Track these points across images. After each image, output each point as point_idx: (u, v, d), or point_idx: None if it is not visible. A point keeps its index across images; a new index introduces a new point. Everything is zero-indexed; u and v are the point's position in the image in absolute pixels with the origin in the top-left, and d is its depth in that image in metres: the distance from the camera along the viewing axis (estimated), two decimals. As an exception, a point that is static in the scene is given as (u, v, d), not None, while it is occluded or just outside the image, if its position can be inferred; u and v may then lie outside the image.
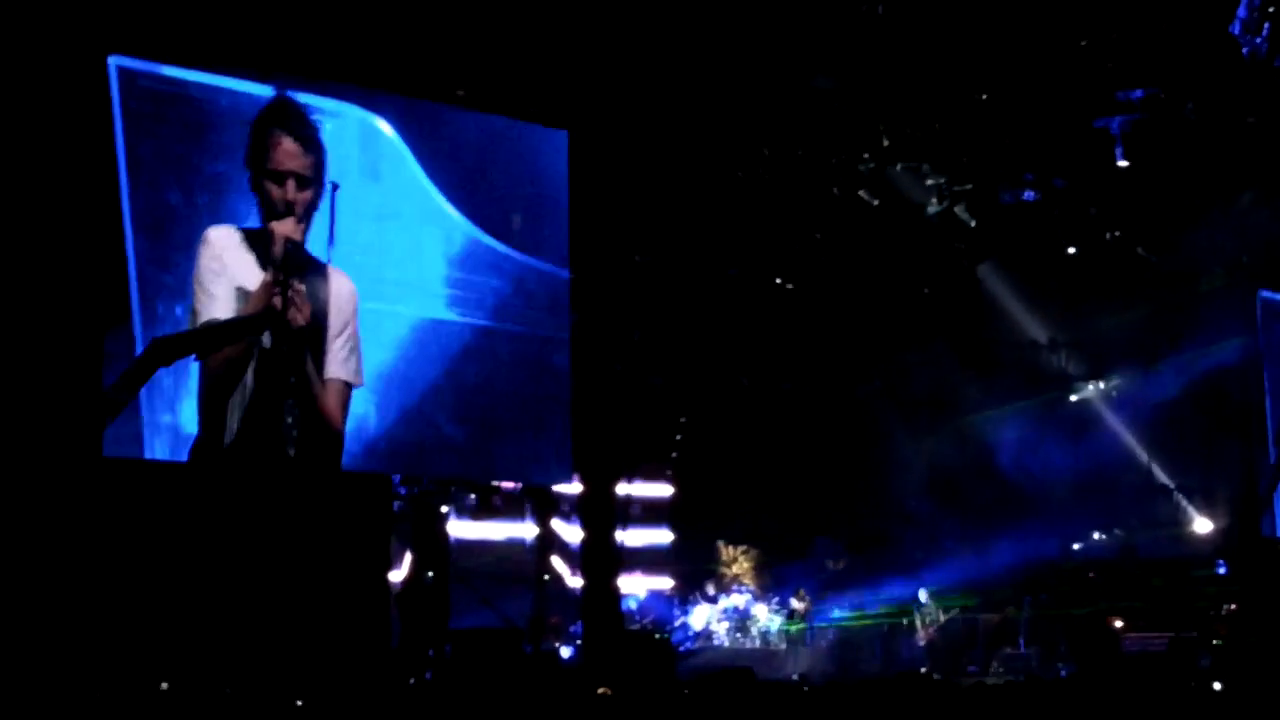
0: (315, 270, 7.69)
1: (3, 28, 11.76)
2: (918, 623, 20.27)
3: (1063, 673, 17.96)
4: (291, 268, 7.44)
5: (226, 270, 7.89)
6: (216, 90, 12.79)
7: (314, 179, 7.87)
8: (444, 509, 14.70)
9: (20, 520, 9.77)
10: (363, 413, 13.12)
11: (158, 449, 11.43)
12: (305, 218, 7.92)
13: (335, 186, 9.47)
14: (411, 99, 14.38)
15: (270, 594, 8.84)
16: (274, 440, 7.77)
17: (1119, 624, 18.41)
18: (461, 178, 14.57)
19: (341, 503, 9.45)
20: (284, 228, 7.74)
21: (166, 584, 9.87)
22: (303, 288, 7.40)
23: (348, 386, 7.67)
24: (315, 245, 10.06)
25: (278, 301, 7.42)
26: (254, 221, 10.46)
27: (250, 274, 7.97)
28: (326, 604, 8.99)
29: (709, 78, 15.32)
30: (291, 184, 7.70)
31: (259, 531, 8.82)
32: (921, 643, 20.18)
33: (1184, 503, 21.04)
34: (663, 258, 17.70)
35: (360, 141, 14.02)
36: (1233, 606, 17.53)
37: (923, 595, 20.36)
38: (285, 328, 7.44)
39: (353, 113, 14.03)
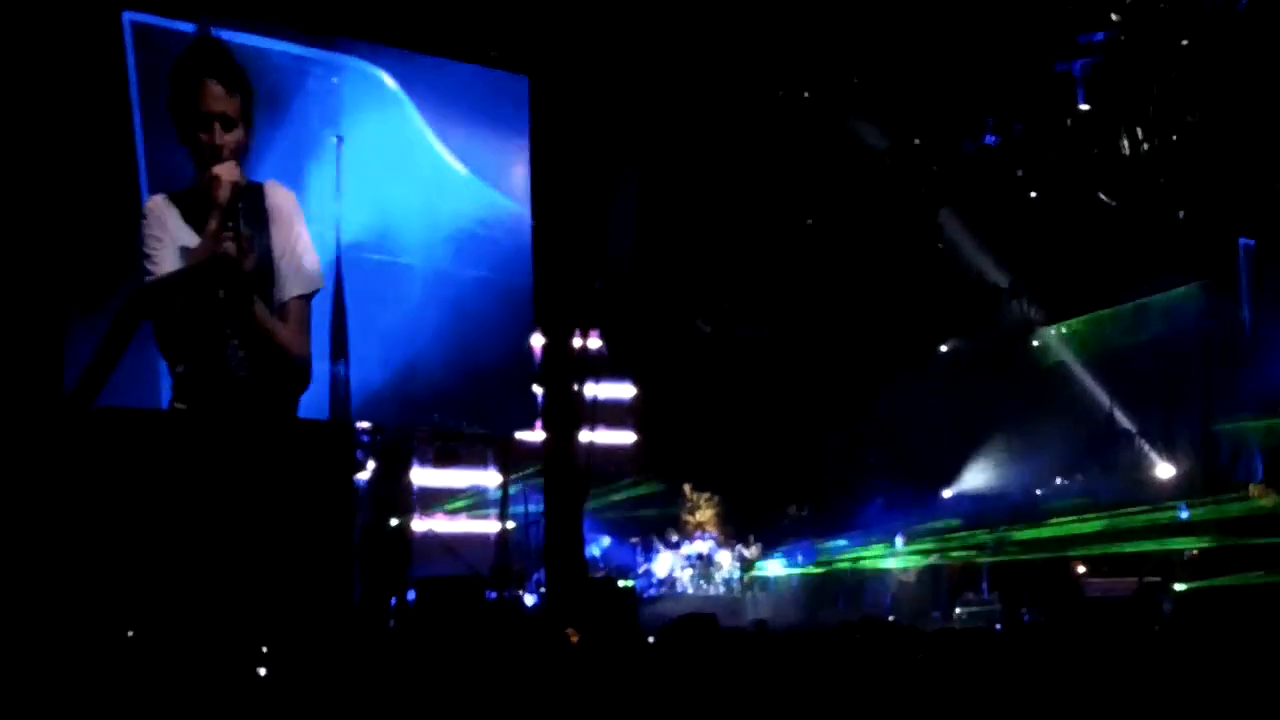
0: (255, 199, 7.63)
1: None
2: (895, 566, 20.33)
3: (1026, 619, 17.99)
4: (237, 211, 7.37)
5: (169, 235, 7.83)
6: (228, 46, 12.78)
7: (241, 119, 7.77)
8: (408, 456, 14.67)
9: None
10: (368, 364, 13.08)
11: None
12: (242, 159, 7.85)
13: (340, 140, 9.43)
14: (415, 53, 14.38)
15: (231, 544, 8.78)
16: (237, 390, 7.71)
17: (1081, 569, 18.43)
18: (463, 130, 14.58)
19: (304, 451, 9.37)
20: (227, 172, 7.66)
21: (126, 533, 9.80)
22: (249, 232, 7.34)
23: (306, 299, 7.60)
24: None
25: (230, 247, 7.34)
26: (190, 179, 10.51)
27: (190, 234, 7.92)
28: (288, 553, 8.93)
29: (670, 24, 15.26)
30: (218, 127, 7.62)
31: (220, 482, 8.75)
32: (904, 583, 20.25)
33: (1145, 447, 21.09)
34: (625, 207, 17.65)
35: (366, 96, 13.99)
36: (1194, 552, 17.55)
37: (899, 541, 20.42)
38: (237, 273, 7.38)
39: (358, 67, 14.02)
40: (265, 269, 7.48)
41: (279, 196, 7.66)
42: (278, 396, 7.90)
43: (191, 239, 7.63)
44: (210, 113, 7.67)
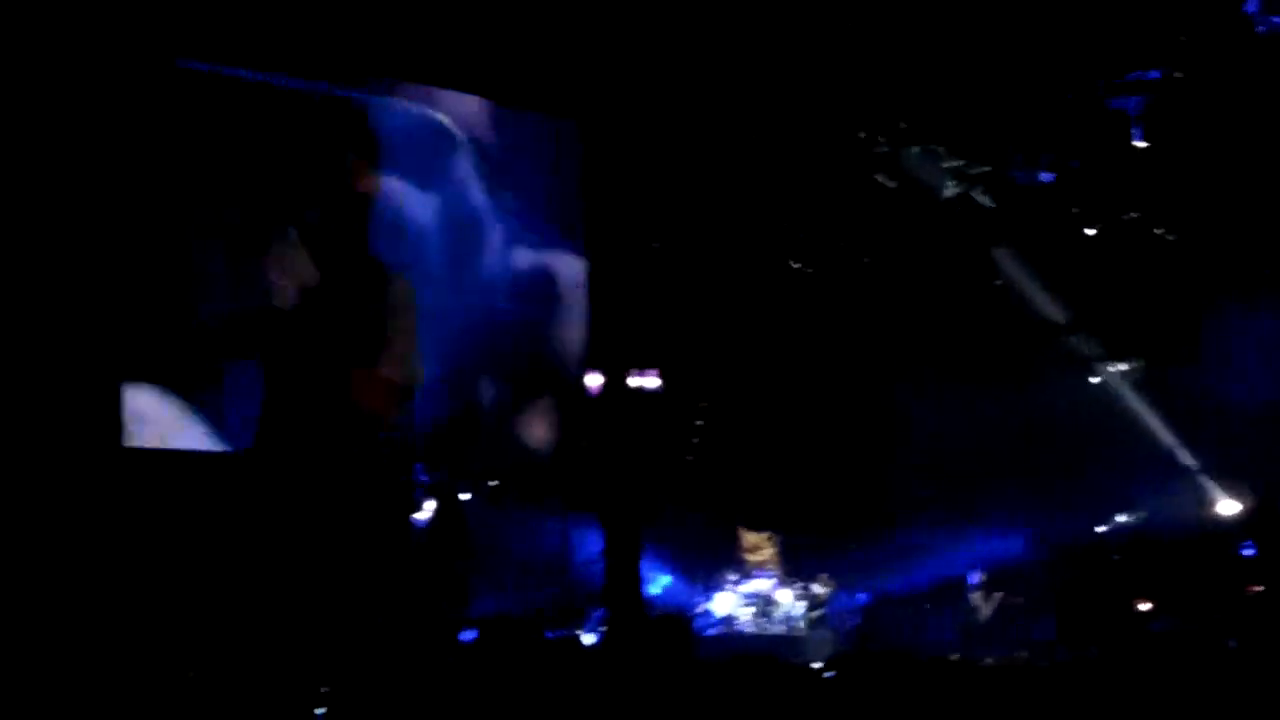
0: (372, 271, 7.68)
1: (89, 39, 11.97)
2: (976, 602, 20.28)
3: (1090, 654, 17.93)
4: (348, 268, 7.47)
5: (286, 275, 7.91)
6: (286, 94, 12.93)
7: (368, 177, 7.84)
8: (465, 495, 14.71)
9: (39, 511, 9.84)
10: (427, 405, 13.21)
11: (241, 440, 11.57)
12: (362, 215, 7.92)
13: (403, 186, 9.52)
14: (470, 97, 14.56)
15: (290, 585, 8.86)
16: (322, 439, 7.78)
17: (1145, 606, 18.36)
18: (517, 173, 14.76)
19: (362, 490, 9.46)
20: (341, 229, 7.76)
21: (188, 573, 9.92)
22: (359, 288, 7.45)
23: (403, 384, 7.70)
24: (376, 242, 10.14)
25: (335, 302, 7.44)
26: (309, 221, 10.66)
27: (310, 275, 8.00)
28: (348, 593, 9.01)
29: (721, 62, 15.32)
30: (359, 205, 7.71)
31: (280, 523, 8.84)
32: (981, 619, 20.21)
33: (1208, 484, 20.98)
34: (677, 246, 17.71)
35: (425, 140, 14.17)
36: (1258, 589, 17.48)
37: (975, 577, 20.37)
38: (342, 327, 7.48)
39: (417, 111, 14.20)
40: (377, 338, 7.58)
41: (400, 286, 7.76)
42: (355, 448, 7.97)
43: (313, 278, 7.73)
44: (357, 192, 7.73)
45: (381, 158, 7.85)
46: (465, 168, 14.50)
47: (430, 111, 14.40)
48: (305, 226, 7.79)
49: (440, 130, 14.43)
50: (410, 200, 11.59)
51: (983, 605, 20.24)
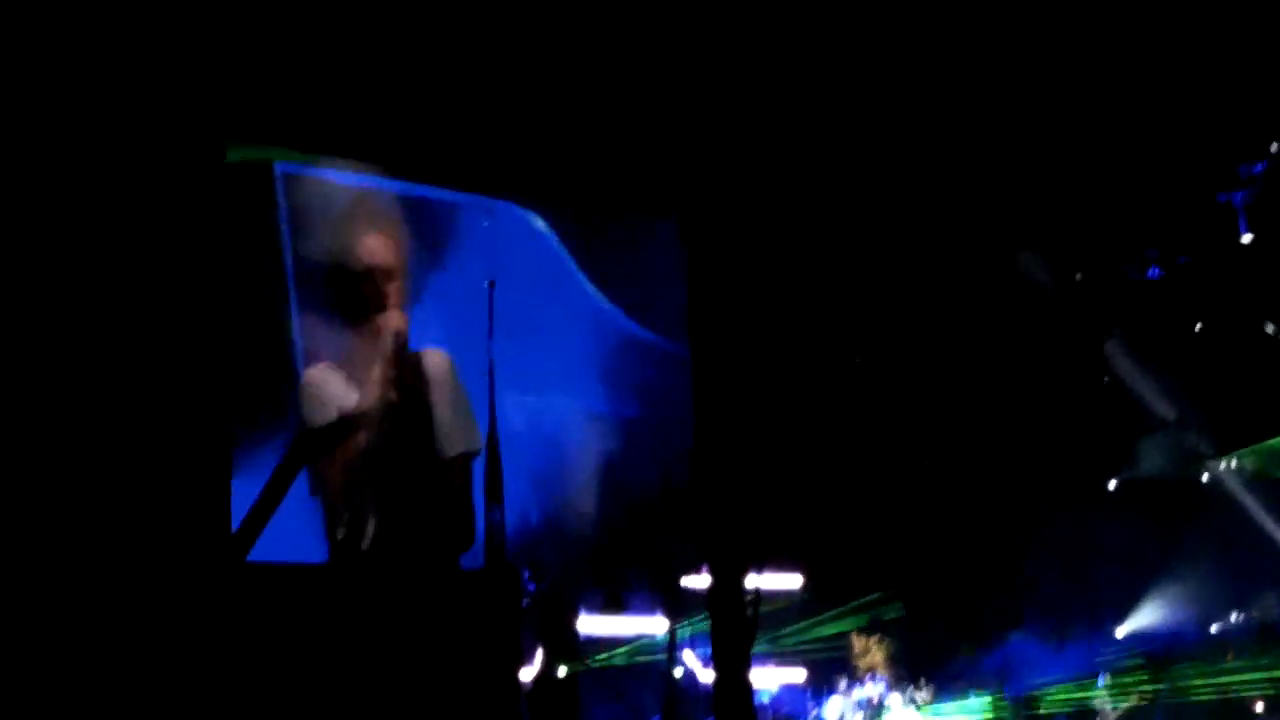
0: (413, 362, 7.70)
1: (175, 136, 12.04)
2: (1105, 706, 20.07)
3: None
4: (400, 360, 7.48)
5: (331, 399, 7.92)
6: (378, 194, 13.00)
7: (400, 269, 7.85)
8: (574, 603, 14.68)
9: (143, 619, 9.82)
10: (523, 508, 13.20)
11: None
12: (406, 307, 7.94)
13: (492, 284, 9.51)
14: (563, 196, 14.58)
15: (398, 695, 8.82)
16: (405, 534, 7.76)
17: (1260, 706, 18.12)
18: (613, 268, 14.74)
19: (469, 599, 9.42)
20: (389, 320, 7.77)
21: (289, 686, 9.87)
22: (410, 377, 7.46)
23: (467, 457, 7.67)
24: (419, 331, 10.13)
25: (393, 395, 7.44)
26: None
27: (353, 397, 8.02)
28: (456, 703, 8.96)
29: (823, 157, 15.32)
30: (379, 278, 7.72)
31: (380, 636, 8.81)
32: None
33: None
34: (783, 340, 17.67)
35: (517, 237, 14.19)
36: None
37: (1103, 680, 20.18)
38: (401, 419, 7.47)
39: (508, 209, 14.22)
40: (426, 424, 7.54)
41: (435, 360, 7.75)
42: (439, 548, 7.90)
43: (353, 401, 7.72)
44: (371, 265, 7.75)
45: (392, 226, 7.86)
46: (562, 266, 14.51)
47: (523, 210, 14.43)
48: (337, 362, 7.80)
49: (533, 228, 14.46)
50: (502, 300, 11.57)
51: (1108, 710, 20.01)
